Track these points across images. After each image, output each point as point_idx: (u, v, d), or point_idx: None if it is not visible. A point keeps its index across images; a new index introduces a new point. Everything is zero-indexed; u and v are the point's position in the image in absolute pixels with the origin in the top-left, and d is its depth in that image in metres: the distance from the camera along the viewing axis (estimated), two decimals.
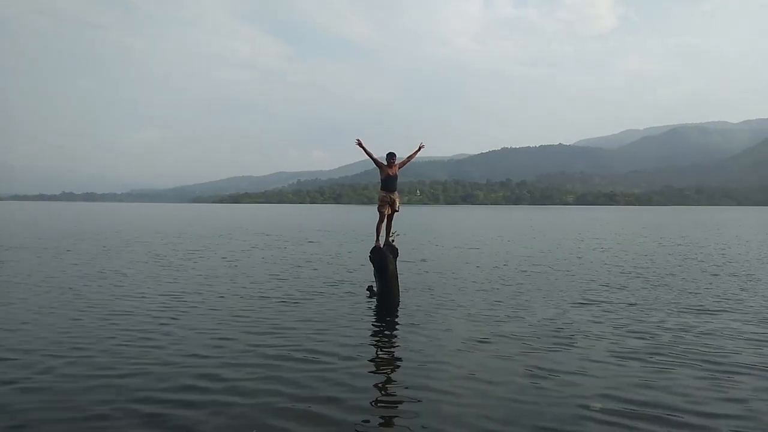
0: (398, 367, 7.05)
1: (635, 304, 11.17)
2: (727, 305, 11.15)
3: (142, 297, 11.80)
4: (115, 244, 26.08)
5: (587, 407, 5.56)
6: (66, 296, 11.84)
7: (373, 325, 9.49)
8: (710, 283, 14.09)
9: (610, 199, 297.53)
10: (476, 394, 5.94)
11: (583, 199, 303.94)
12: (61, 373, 6.63)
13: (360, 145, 11.36)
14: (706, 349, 7.77)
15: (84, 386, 6.19)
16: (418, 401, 5.79)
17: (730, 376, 6.64)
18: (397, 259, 11.78)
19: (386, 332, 8.93)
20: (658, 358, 7.35)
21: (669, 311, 10.50)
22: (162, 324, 9.25)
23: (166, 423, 5.24)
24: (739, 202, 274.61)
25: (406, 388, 6.23)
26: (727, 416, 5.43)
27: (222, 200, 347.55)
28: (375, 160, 11.46)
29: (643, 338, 8.40)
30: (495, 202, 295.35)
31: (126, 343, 7.97)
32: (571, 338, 8.32)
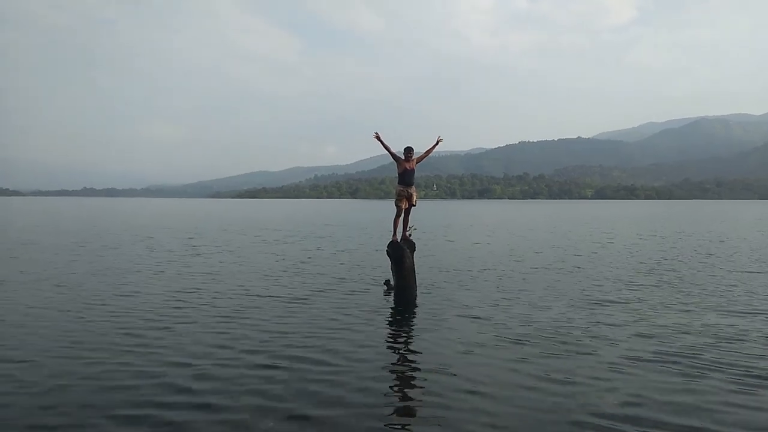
0: (411, 368, 6.92)
1: (653, 304, 10.74)
2: (755, 305, 10.58)
3: (144, 294, 11.59)
4: (127, 239, 26.20)
5: (602, 417, 5.30)
6: (69, 294, 11.66)
7: (388, 321, 9.43)
8: (735, 282, 13.57)
9: (629, 192, 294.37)
10: (488, 401, 5.72)
11: (602, 193, 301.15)
12: (50, 374, 6.47)
13: (378, 138, 11.32)
14: (733, 354, 7.27)
15: (73, 389, 6.02)
16: (430, 407, 5.60)
17: (761, 384, 6.19)
18: (414, 253, 11.77)
19: (402, 330, 8.85)
20: (679, 363, 6.90)
21: (691, 311, 10.06)
22: (161, 324, 8.94)
23: (160, 428, 5.11)
24: (761, 195, 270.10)
25: (418, 390, 6.08)
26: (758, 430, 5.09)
27: (239, 195, 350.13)
28: (393, 154, 11.43)
29: (662, 341, 7.93)
30: (512, 197, 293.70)
31: (121, 344, 7.71)
32: (586, 341, 7.96)
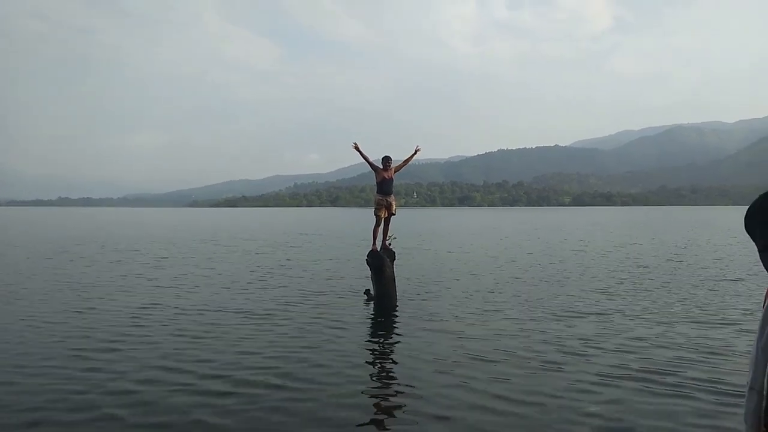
0: (383, 392, 6.45)
1: (631, 316, 10.29)
2: (734, 316, 10.13)
3: (101, 310, 10.79)
4: (93, 251, 25.35)
5: None
6: (21, 310, 10.94)
7: (363, 337, 9.04)
8: (714, 291, 13.17)
9: (606, 199, 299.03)
10: (461, 427, 5.37)
11: (579, 200, 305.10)
12: None
13: (357, 148, 11.35)
14: (715, 370, 6.82)
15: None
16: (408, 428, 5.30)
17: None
18: (394, 262, 11.75)
19: (376, 347, 8.45)
20: (659, 380, 6.47)
21: (669, 322, 9.64)
22: (114, 344, 8.20)
23: None
24: (735, 202, 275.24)
25: (389, 417, 5.67)
26: None
27: (218, 204, 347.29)
28: (371, 164, 11.45)
29: (640, 356, 7.48)
30: (492, 204, 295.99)
31: (64, 367, 7.07)
32: (562, 357, 7.48)
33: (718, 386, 6.29)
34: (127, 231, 44.71)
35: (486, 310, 10.92)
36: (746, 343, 8.13)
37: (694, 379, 6.56)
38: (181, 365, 7.22)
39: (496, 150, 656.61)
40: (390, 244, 11.93)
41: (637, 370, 6.92)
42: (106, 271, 17.33)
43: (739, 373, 6.75)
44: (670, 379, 6.55)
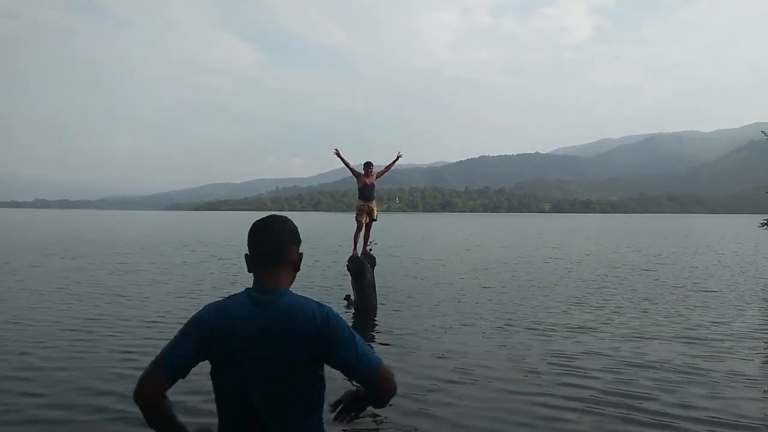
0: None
1: (606, 331, 9.43)
2: (721, 331, 9.32)
3: (38, 323, 9.62)
4: (51, 255, 24.20)
5: None
6: None
7: None
8: (698, 303, 12.32)
9: (586, 206, 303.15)
10: None
11: (559, 207, 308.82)
12: None
13: (338, 155, 11.27)
14: (706, 396, 6.06)
15: None
16: None
17: None
18: (375, 268, 11.66)
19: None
20: (638, 405, 5.78)
21: (650, 339, 8.82)
22: (50, 362, 7.14)
23: None
24: (712, 210, 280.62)
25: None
26: None
27: (198, 207, 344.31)
28: (352, 170, 11.39)
29: (619, 378, 6.73)
30: (473, 210, 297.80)
31: None
32: (534, 376, 6.84)
33: (707, 414, 5.59)
34: (88, 235, 42.59)
35: (462, 322, 10.23)
36: (730, 364, 7.42)
37: (679, 405, 5.84)
38: (124, 388, 6.08)
39: (477, 156, 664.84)
40: (371, 250, 11.85)
41: (614, 393, 6.22)
42: (54, 278, 15.86)
43: (722, 398, 6.07)
44: (649, 404, 5.87)
